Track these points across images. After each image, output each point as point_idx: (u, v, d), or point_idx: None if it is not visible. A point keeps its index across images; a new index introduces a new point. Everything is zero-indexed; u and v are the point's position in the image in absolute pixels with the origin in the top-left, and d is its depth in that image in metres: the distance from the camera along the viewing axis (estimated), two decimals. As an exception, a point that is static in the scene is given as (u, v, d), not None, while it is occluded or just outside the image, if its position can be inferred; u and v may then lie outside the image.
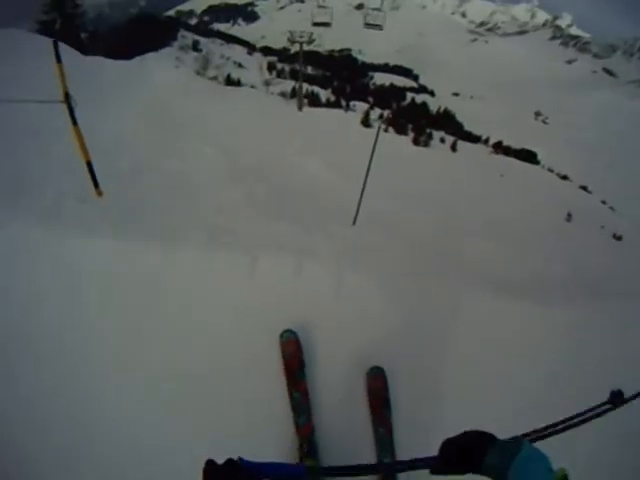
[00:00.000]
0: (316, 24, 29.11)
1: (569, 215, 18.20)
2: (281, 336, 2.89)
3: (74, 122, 3.84)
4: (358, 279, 3.28)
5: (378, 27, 27.28)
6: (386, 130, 51.29)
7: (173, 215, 3.95)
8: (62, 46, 12.47)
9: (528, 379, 3.00)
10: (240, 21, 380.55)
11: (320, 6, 29.59)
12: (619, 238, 22.05)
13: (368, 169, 4.90)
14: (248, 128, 9.60)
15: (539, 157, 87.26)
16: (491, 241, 6.96)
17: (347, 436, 2.76)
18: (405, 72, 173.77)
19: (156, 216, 3.86)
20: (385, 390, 2.86)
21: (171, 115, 8.34)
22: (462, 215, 8.27)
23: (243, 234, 3.81)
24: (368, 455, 2.69)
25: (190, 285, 3.07)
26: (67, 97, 3.73)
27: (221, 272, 3.15)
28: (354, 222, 4.97)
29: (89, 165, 4.00)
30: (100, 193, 4.09)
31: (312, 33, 32.23)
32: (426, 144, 48.97)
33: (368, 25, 27.89)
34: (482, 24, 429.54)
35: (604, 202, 48.86)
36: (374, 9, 28.70)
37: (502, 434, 1.23)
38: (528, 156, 76.88)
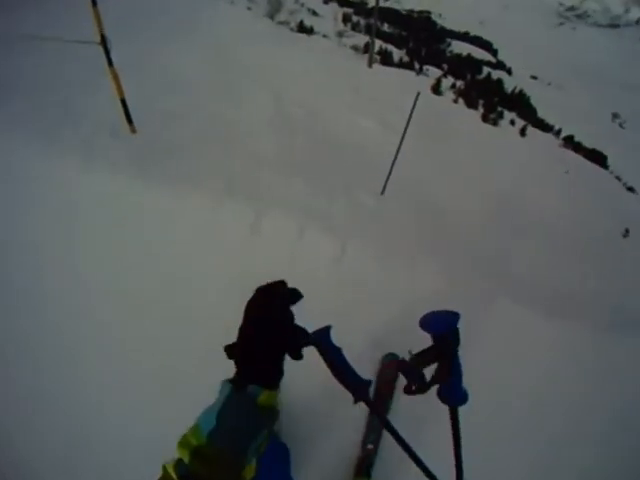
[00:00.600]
0: None
1: (627, 231, 17.25)
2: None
3: (110, 63, 3.97)
4: (361, 254, 3.19)
5: None
6: (456, 101, 49.90)
7: (200, 159, 3.92)
8: None
9: (536, 394, 2.83)
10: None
11: None
12: None
13: (402, 138, 4.54)
14: (310, 78, 9.25)
15: (609, 162, 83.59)
16: (535, 244, 6.50)
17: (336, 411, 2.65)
18: (484, 44, 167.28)
19: (183, 159, 3.83)
20: (395, 379, 2.76)
21: (233, 58, 8.18)
22: (512, 208, 7.78)
23: (261, 187, 3.74)
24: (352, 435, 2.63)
25: (193, 234, 3.11)
26: (103, 39, 3.86)
27: (224, 225, 3.17)
28: (382, 192, 4.65)
29: (123, 102, 4.10)
30: (134, 130, 4.17)
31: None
32: (495, 123, 47.59)
33: None
34: (572, 8, 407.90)
35: (670, 224, 46.62)
36: None
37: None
38: (598, 158, 73.76)
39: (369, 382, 1.11)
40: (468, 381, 1.16)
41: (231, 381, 0.97)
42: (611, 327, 3.78)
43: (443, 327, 1.10)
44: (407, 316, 2.87)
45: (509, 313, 3.15)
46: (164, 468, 0.91)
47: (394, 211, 4.39)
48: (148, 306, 2.73)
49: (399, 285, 3.09)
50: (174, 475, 0.88)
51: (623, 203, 24.68)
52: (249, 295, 2.61)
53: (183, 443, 0.91)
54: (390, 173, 4.57)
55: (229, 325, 2.54)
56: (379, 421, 1.84)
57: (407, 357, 1.11)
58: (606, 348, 3.16)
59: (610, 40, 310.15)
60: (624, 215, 18.89)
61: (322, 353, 1.08)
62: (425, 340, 1.10)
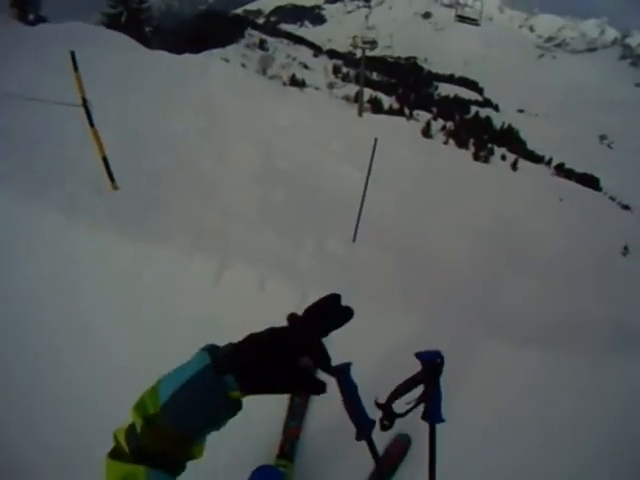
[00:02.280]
0: (459, 17, 28.40)
1: (625, 249, 17.25)
2: None
3: (91, 124, 4.12)
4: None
5: (474, 22, 24.08)
6: (446, 142, 50.79)
7: (175, 215, 4.02)
8: (127, 39, 12.89)
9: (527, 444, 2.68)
10: (307, 23, 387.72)
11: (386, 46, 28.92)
12: None
13: (366, 183, 4.58)
14: (299, 130, 9.42)
15: (602, 183, 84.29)
16: (530, 275, 6.43)
17: (330, 457, 2.66)
18: (470, 84, 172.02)
19: (159, 215, 3.93)
20: (401, 457, 2.60)
21: (222, 114, 8.30)
22: (505, 243, 7.77)
23: (229, 240, 3.81)
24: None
25: (161, 285, 3.18)
26: (84, 102, 4.03)
27: (189, 276, 3.24)
28: (354, 239, 4.64)
29: (105, 161, 4.21)
30: (116, 187, 4.28)
31: (375, 39, 32.23)
32: (486, 160, 48.44)
33: (462, 19, 24.55)
34: (550, 39, 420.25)
35: (668, 239, 46.60)
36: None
37: None
38: (590, 181, 74.49)
39: (373, 422, 1.28)
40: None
41: (212, 356, 0.89)
42: (610, 349, 3.76)
43: (431, 356, 1.33)
44: (380, 365, 2.87)
45: (498, 353, 3.10)
46: (115, 437, 0.87)
47: (365, 258, 4.38)
48: (117, 346, 2.88)
49: (369, 334, 3.05)
50: (125, 446, 0.84)
51: (620, 221, 24.84)
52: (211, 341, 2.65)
53: (139, 406, 0.86)
54: (359, 219, 4.57)
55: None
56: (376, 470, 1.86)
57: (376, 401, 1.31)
58: (606, 373, 3.09)
59: (590, 63, 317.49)
60: (622, 233, 18.99)
61: (341, 385, 1.19)
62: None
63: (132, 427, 0.85)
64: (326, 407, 2.64)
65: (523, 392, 2.86)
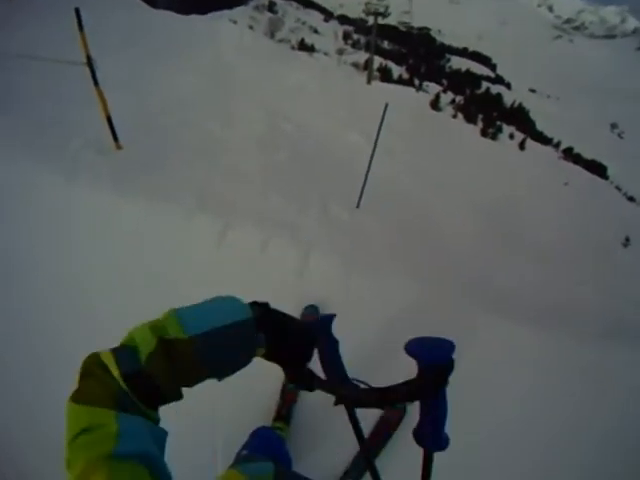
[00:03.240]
0: (400, 23, 28.40)
1: (627, 240, 17.29)
2: (305, 308, 2.95)
3: (95, 83, 4.08)
4: (324, 266, 3.21)
5: (407, 24, 22.03)
6: (455, 116, 50.20)
7: (179, 175, 3.98)
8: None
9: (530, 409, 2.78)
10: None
11: (405, 11, 29.15)
12: None
13: (374, 150, 4.52)
14: (307, 95, 9.35)
15: (609, 172, 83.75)
16: (530, 256, 6.53)
17: (325, 422, 2.68)
18: (483, 60, 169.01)
19: (162, 175, 3.89)
20: (396, 425, 2.70)
21: (230, 76, 8.27)
22: (507, 221, 7.82)
23: (234, 202, 3.78)
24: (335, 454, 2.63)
25: (164, 245, 3.19)
26: (89, 60, 3.98)
27: (193, 236, 3.26)
28: (358, 205, 4.65)
29: (109, 120, 4.19)
30: (119, 147, 4.24)
31: (388, 6, 31.51)
32: (494, 137, 47.98)
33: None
34: (568, 21, 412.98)
35: (671, 231, 46.72)
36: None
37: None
38: (598, 169, 74.06)
39: (355, 386, 1.08)
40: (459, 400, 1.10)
41: (255, 311, 0.95)
42: (609, 335, 3.75)
43: (436, 356, 0.89)
44: (369, 334, 2.91)
45: (494, 328, 3.09)
46: (92, 361, 0.77)
47: (368, 224, 4.39)
48: (122, 307, 2.73)
49: (364, 300, 3.06)
50: (114, 369, 0.75)
51: (623, 212, 24.70)
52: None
53: (155, 327, 0.82)
54: (364, 186, 4.57)
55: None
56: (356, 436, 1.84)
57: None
58: (602, 359, 3.11)
59: (607, 50, 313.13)
60: (624, 224, 18.95)
61: (320, 338, 1.10)
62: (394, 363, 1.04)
63: (127, 348, 0.79)
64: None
65: (519, 369, 2.88)
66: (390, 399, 0.95)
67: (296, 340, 1.00)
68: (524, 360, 2.95)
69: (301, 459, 2.50)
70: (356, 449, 2.60)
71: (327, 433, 2.65)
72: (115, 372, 0.74)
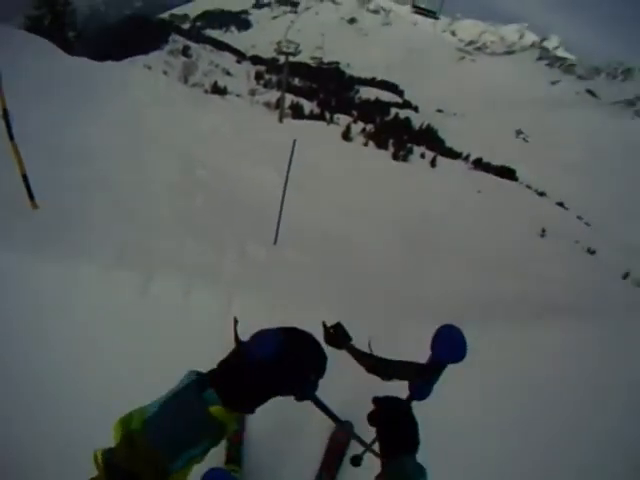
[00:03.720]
0: (312, 58, 29.00)
1: (543, 231, 18.56)
2: None
3: (11, 137, 3.90)
4: (248, 307, 3.20)
5: (432, 14, 18.72)
6: (366, 144, 51.72)
7: (96, 230, 3.90)
8: (48, 45, 12.24)
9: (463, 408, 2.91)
10: (233, 28, 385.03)
11: (318, 47, 29.51)
12: (592, 252, 22.77)
13: (285, 187, 4.77)
14: (220, 138, 9.55)
15: (518, 174, 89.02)
16: (451, 264, 6.92)
17: (276, 458, 2.76)
18: (391, 87, 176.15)
19: (81, 231, 3.81)
20: (346, 446, 2.80)
21: (143, 124, 8.24)
22: (425, 237, 8.20)
23: (152, 252, 3.79)
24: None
25: (86, 302, 3.11)
26: (5, 113, 3.82)
27: (114, 291, 3.17)
28: (275, 242, 4.83)
29: (24, 178, 4.02)
30: (35, 206, 4.06)
31: (299, 45, 32.31)
32: (405, 159, 49.62)
33: (418, 10, 19.43)
34: (471, 43, 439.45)
35: (580, 218, 50.13)
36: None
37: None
38: (507, 173, 78.49)
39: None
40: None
41: (199, 374, 0.92)
42: (531, 320, 4.07)
43: (451, 356, 1.06)
44: None
45: (421, 336, 3.22)
46: (95, 456, 0.84)
47: (286, 259, 4.54)
48: (43, 369, 2.84)
49: None
50: (100, 460, 0.82)
51: (536, 207, 26.40)
52: (140, 357, 2.75)
53: (124, 420, 0.86)
54: (279, 222, 4.74)
55: (123, 385, 2.61)
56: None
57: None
58: (530, 340, 3.42)
59: (508, 65, 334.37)
60: (539, 217, 20.38)
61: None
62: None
63: (111, 449, 0.84)
64: (266, 409, 2.64)
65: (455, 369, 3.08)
66: (398, 372, 1.12)
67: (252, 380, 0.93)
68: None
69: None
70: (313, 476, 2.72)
71: (278, 470, 2.73)
72: (101, 464, 0.82)
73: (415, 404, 1.17)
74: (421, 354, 2.82)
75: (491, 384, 3.08)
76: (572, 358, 3.38)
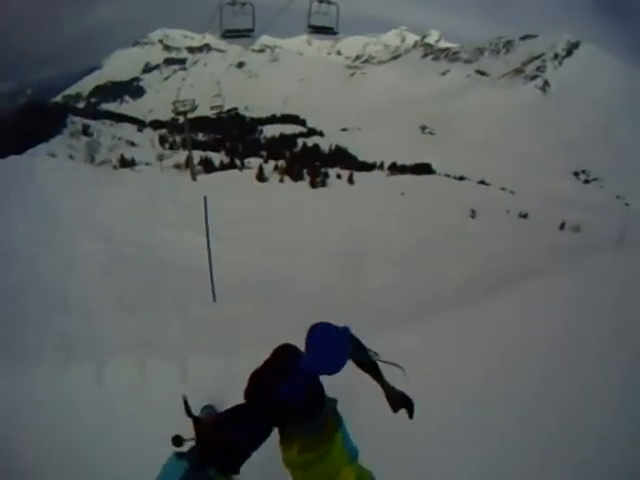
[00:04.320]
0: (212, 107, 34.71)
1: (473, 212, 19.33)
2: (201, 410, 2.98)
3: None
4: (203, 369, 3.31)
5: (329, 30, 17.83)
6: (282, 180, 52.28)
7: (38, 332, 3.87)
8: None
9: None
10: (127, 98, 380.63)
11: (215, 95, 34.75)
12: (525, 215, 24.00)
13: (208, 244, 4.94)
14: (137, 211, 9.49)
15: (434, 167, 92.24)
16: (388, 269, 7.20)
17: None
18: (292, 119, 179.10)
19: (23, 335, 3.77)
20: None
21: (55, 215, 8.09)
22: (363, 250, 8.50)
23: (98, 340, 3.78)
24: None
25: (39, 401, 3.08)
26: None
27: (68, 386, 3.16)
28: (214, 299, 4.95)
29: None
30: None
31: (194, 100, 32.57)
32: (323, 184, 50.25)
33: (315, 29, 17.95)
34: (357, 57, 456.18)
35: (504, 188, 52.43)
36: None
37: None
38: (423, 169, 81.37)
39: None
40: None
41: (187, 459, 0.96)
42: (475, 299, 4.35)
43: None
44: None
45: (380, 340, 3.37)
46: None
47: (228, 312, 4.69)
48: None
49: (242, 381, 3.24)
50: None
51: (460, 191, 27.46)
52: (102, 450, 2.88)
53: None
54: (212, 279, 4.88)
55: (98, 466, 2.74)
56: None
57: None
58: (493, 318, 3.63)
59: (396, 69, 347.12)
60: (465, 201, 21.14)
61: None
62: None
63: None
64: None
65: (417, 363, 3.12)
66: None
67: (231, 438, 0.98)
68: (411, 356, 3.26)
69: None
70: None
71: (272, 469, 2.79)
72: None
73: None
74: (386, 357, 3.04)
75: (462, 366, 3.25)
76: (537, 316, 3.60)
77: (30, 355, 3.46)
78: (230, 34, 15.55)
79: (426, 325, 3.64)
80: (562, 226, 22.27)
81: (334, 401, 1.06)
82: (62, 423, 2.98)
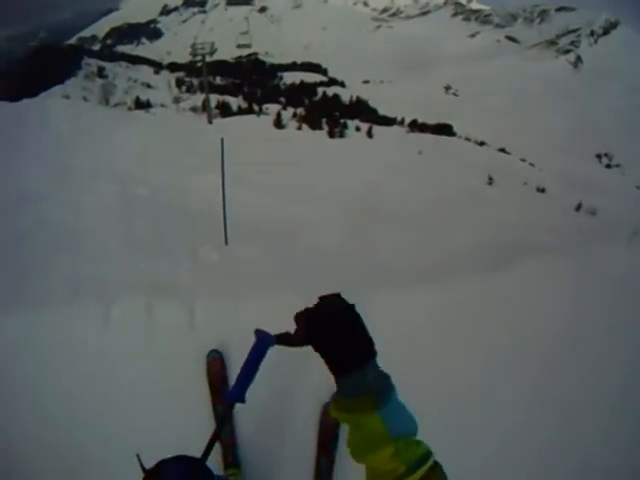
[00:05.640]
0: (239, 46, 36.01)
1: (490, 179, 18.96)
2: (207, 355, 2.93)
3: None
4: (210, 311, 3.22)
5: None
6: (300, 127, 51.61)
7: (48, 274, 3.86)
8: None
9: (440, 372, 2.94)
10: (144, 40, 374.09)
11: (242, 32, 36.70)
12: (542, 190, 23.46)
13: (223, 186, 4.78)
14: (152, 153, 9.33)
15: (455, 129, 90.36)
16: (401, 227, 7.10)
17: (273, 453, 2.78)
18: (314, 68, 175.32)
19: (34, 278, 3.77)
20: (337, 426, 2.83)
21: (70, 155, 7.98)
22: (377, 206, 8.36)
23: (107, 280, 3.75)
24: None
25: (47, 344, 3.01)
26: None
27: (76, 327, 3.08)
28: (226, 242, 4.87)
29: None
30: None
31: (213, 43, 31.90)
32: (342, 135, 49.54)
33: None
34: (385, 10, 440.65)
35: (524, 160, 51.49)
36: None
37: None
38: (444, 129, 79.80)
39: (237, 401, 1.20)
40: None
41: None
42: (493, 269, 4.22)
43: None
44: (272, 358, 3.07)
45: (385, 301, 3.23)
46: None
47: (239, 256, 4.61)
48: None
49: (259, 325, 3.19)
50: None
51: (479, 157, 26.95)
52: (106, 394, 2.85)
53: None
54: (225, 222, 4.78)
55: (102, 414, 2.71)
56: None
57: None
58: (499, 289, 3.46)
59: (425, 26, 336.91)
60: (483, 167, 20.82)
61: (255, 346, 1.23)
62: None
63: None
64: (253, 410, 2.62)
65: (421, 329, 3.10)
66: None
67: None
68: (415, 321, 3.14)
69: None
70: (312, 470, 2.77)
71: (277, 464, 2.77)
72: None
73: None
74: (391, 320, 2.96)
75: (465, 335, 3.14)
76: (543, 296, 3.45)
77: (38, 294, 3.43)
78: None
79: (431, 290, 3.44)
80: (578, 207, 21.61)
81: (384, 377, 1.02)
82: (66, 363, 2.94)
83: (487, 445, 2.71)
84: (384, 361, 1.05)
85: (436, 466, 0.94)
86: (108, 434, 2.71)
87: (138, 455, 1.03)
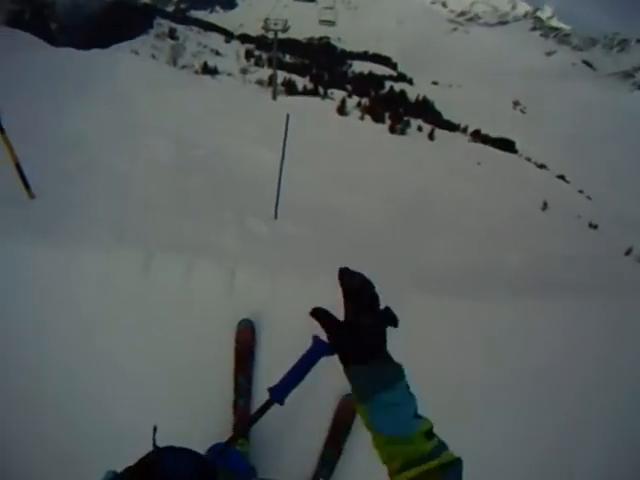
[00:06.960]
0: (322, 22, 35.30)
1: (545, 204, 18.40)
2: (239, 323, 2.96)
3: (1, 129, 3.79)
4: (251, 281, 3.22)
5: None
6: (362, 118, 51.47)
7: (94, 215, 3.84)
8: (31, 38, 12.16)
9: (462, 383, 2.98)
10: (218, 8, 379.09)
11: (326, 7, 35.42)
12: (595, 227, 22.66)
13: (282, 162, 4.67)
14: (213, 118, 9.37)
15: (517, 146, 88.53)
16: (451, 237, 6.87)
17: (283, 430, 2.79)
18: (384, 60, 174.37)
19: (78, 217, 3.75)
20: (354, 416, 2.81)
21: (133, 109, 8.07)
22: (424, 210, 8.17)
23: (151, 232, 3.74)
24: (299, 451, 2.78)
25: (86, 284, 3.08)
26: None
27: (115, 272, 3.15)
28: (275, 216, 4.78)
29: (18, 167, 3.93)
30: (32, 196, 4.00)
31: (287, 20, 31.98)
32: (403, 132, 49.39)
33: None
34: (462, 14, 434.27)
35: (581, 192, 50.11)
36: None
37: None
38: (506, 145, 78.29)
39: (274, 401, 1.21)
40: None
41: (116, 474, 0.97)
42: (531, 292, 4.11)
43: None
44: (302, 340, 2.97)
45: (428, 306, 3.30)
46: None
47: (287, 233, 4.53)
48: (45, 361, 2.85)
49: (295, 305, 3.16)
50: None
51: (537, 180, 26.30)
52: (143, 337, 2.91)
53: None
54: (278, 197, 4.69)
55: (125, 366, 2.80)
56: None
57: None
58: (525, 316, 3.41)
59: (502, 36, 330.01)
60: (540, 190, 20.26)
61: (312, 347, 1.19)
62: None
63: None
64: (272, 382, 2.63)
65: (444, 338, 3.11)
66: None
67: None
68: (449, 330, 3.17)
69: (269, 468, 2.63)
70: (321, 449, 2.77)
71: (289, 439, 2.76)
72: None
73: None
74: (422, 322, 2.87)
75: (489, 357, 3.12)
76: (573, 336, 3.38)
77: (80, 234, 3.43)
78: None
79: (460, 302, 3.44)
80: (628, 252, 20.75)
81: (380, 373, 1.05)
82: (99, 307, 3.00)
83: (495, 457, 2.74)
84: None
85: (441, 469, 0.94)
86: (129, 382, 2.77)
87: (155, 427, 1.04)
